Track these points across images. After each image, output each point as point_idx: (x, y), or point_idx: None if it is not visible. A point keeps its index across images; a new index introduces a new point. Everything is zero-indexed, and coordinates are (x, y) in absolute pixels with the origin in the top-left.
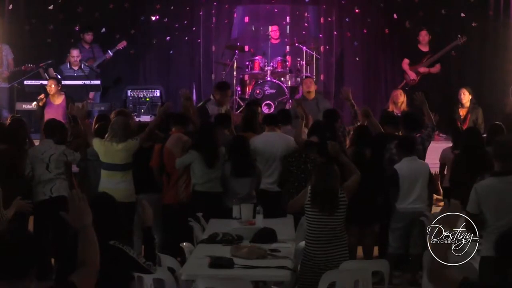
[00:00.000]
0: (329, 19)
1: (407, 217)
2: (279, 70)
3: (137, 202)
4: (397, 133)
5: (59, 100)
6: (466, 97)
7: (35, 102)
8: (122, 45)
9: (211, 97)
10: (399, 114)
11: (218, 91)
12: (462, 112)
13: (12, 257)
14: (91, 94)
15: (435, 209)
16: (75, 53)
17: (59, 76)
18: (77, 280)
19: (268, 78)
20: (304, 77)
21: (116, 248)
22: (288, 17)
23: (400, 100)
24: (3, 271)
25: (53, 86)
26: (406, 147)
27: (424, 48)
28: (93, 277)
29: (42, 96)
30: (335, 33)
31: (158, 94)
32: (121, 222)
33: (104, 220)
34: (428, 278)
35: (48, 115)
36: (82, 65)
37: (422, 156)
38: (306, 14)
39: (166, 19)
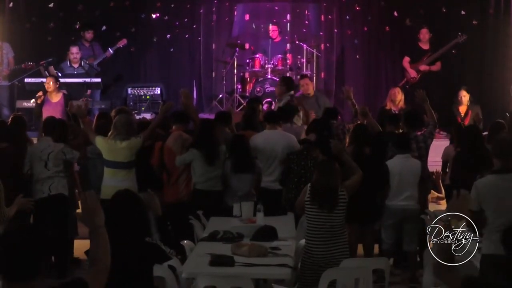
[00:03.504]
0: (329, 17)
1: (397, 214)
2: (280, 68)
3: None
4: (397, 131)
5: (57, 97)
6: (466, 98)
7: (33, 100)
8: (122, 43)
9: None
10: (396, 112)
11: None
12: (462, 109)
13: (25, 257)
14: (89, 91)
15: (435, 207)
16: (74, 50)
17: (59, 74)
18: (88, 279)
19: (269, 76)
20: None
21: (153, 245)
22: (288, 15)
23: (398, 98)
24: (16, 271)
25: (51, 83)
26: (400, 144)
27: (425, 46)
28: (104, 275)
29: (40, 93)
30: (336, 31)
31: (159, 92)
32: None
33: (136, 218)
34: (434, 272)
35: (46, 112)
36: (82, 62)
37: (425, 154)
38: (306, 12)
39: (166, 17)
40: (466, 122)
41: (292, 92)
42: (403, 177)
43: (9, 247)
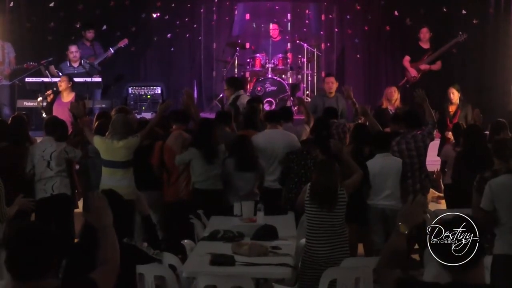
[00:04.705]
0: (330, 16)
1: (379, 213)
2: (280, 67)
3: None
4: (402, 131)
5: (68, 97)
6: (455, 96)
7: (40, 98)
8: (123, 42)
9: None
10: (393, 111)
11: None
12: (452, 108)
13: (34, 256)
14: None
15: (435, 207)
16: (73, 49)
17: (59, 74)
18: (98, 278)
19: (269, 75)
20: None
21: (131, 246)
22: (289, 14)
23: (394, 97)
24: (25, 271)
25: (64, 82)
26: (380, 143)
27: (425, 45)
28: (114, 275)
29: (49, 92)
30: (336, 30)
31: (159, 91)
32: (131, 219)
33: (115, 218)
34: (376, 271)
35: (57, 111)
36: (82, 61)
37: (423, 153)
38: (307, 11)
39: (167, 16)
40: (455, 121)
41: (241, 92)
42: (383, 176)
43: (19, 246)
